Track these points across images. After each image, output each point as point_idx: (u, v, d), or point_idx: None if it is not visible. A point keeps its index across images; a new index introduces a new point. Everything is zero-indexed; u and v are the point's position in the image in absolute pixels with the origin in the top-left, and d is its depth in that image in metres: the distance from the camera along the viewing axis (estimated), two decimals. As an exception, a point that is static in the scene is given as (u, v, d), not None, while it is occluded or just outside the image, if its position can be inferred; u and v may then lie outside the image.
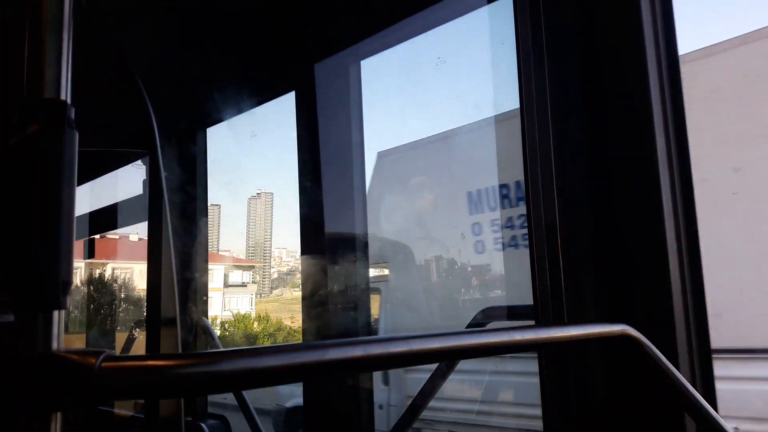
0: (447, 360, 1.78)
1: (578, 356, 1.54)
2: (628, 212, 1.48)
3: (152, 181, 2.46)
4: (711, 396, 1.39)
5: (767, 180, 4.65)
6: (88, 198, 4.22)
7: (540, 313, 1.61)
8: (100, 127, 3.30)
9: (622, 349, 1.37)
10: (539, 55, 1.65)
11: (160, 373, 0.63)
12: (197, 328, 2.93)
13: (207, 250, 3.12)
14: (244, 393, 2.54)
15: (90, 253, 4.60)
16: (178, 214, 3.08)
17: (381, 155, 7.28)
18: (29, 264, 0.65)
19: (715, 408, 1.23)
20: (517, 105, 1.69)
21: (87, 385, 0.62)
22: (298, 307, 2.43)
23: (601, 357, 1.50)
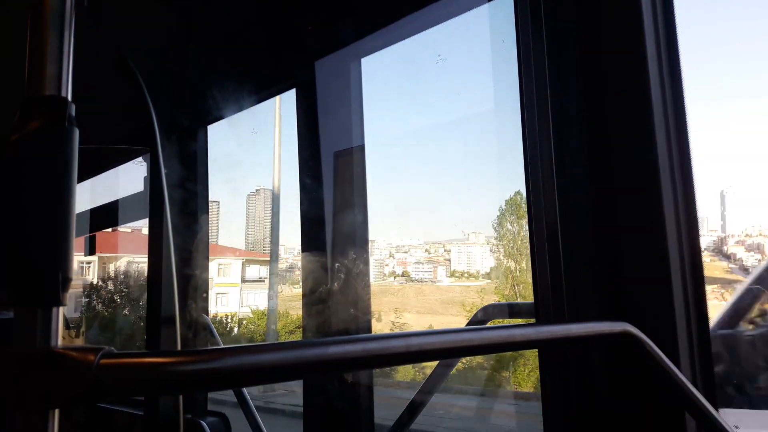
0: (447, 357, 1.78)
1: (579, 354, 1.54)
2: (629, 210, 1.48)
3: (153, 178, 2.47)
4: (711, 395, 1.39)
5: None
6: (89, 194, 4.23)
7: (540, 311, 1.62)
8: (101, 124, 3.30)
9: (623, 347, 1.37)
10: (539, 53, 1.65)
11: (159, 370, 0.63)
12: (197, 325, 2.93)
13: (208, 247, 3.13)
14: (245, 390, 2.54)
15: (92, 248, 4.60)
16: (181, 211, 3.09)
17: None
18: (29, 260, 0.65)
19: (716, 407, 1.23)
20: (516, 104, 1.69)
21: (85, 382, 0.62)
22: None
23: (601, 355, 1.50)
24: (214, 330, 2.93)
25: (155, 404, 2.25)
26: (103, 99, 2.85)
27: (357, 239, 2.43)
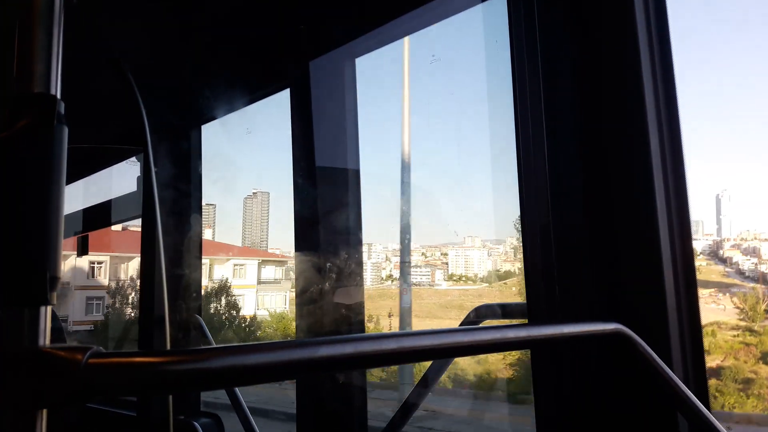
0: (439, 358, 1.77)
1: (571, 355, 1.54)
2: (622, 210, 1.48)
3: (145, 178, 2.46)
4: (704, 395, 1.39)
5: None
6: (83, 193, 4.22)
7: (533, 311, 1.62)
8: (95, 123, 3.29)
9: (616, 347, 1.37)
10: (533, 53, 1.65)
11: (147, 370, 0.63)
12: (191, 326, 2.93)
13: (201, 247, 3.12)
14: (237, 391, 2.54)
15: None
16: (174, 211, 3.08)
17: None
18: (16, 259, 0.64)
19: (708, 407, 1.24)
20: (510, 105, 1.69)
21: (73, 382, 0.61)
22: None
23: (594, 356, 1.50)
24: (207, 330, 2.92)
25: (147, 405, 2.24)
26: (98, 98, 2.84)
27: (351, 239, 2.43)
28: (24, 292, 0.64)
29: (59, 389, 0.62)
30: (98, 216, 4.01)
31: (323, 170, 2.45)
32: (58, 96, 0.72)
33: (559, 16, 1.63)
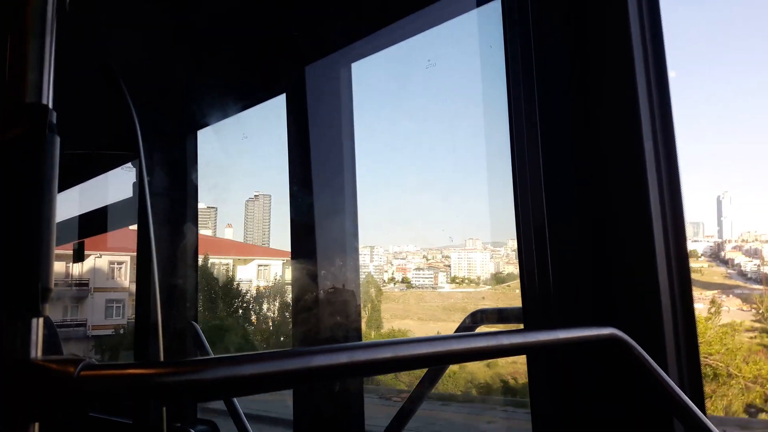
0: (434, 365, 1.77)
1: (567, 360, 1.54)
2: (617, 215, 1.48)
3: (138, 185, 2.45)
4: (699, 399, 1.39)
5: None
6: (79, 200, 4.21)
7: (528, 316, 1.61)
8: (91, 130, 3.28)
9: (611, 352, 1.37)
10: (527, 57, 1.65)
11: (141, 382, 0.63)
12: (188, 335, 2.91)
13: (197, 255, 3.11)
14: (234, 398, 2.53)
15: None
16: (171, 218, 3.07)
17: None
18: (7, 270, 0.64)
19: (704, 411, 1.23)
20: (504, 109, 1.70)
21: (65, 394, 0.61)
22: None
23: (589, 360, 1.50)
24: (204, 338, 2.91)
25: (144, 413, 2.22)
26: (92, 105, 2.83)
27: (347, 244, 2.42)
28: (15, 303, 0.63)
29: (52, 402, 0.61)
30: (94, 222, 4.00)
31: (319, 175, 2.45)
32: (50, 105, 0.71)
33: (553, 21, 1.63)
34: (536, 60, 1.64)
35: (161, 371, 0.63)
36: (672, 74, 1.52)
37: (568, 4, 1.59)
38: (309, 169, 2.44)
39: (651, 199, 1.43)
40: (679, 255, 1.44)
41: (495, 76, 1.80)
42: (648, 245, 1.42)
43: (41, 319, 0.65)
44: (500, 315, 1.87)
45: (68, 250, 4.25)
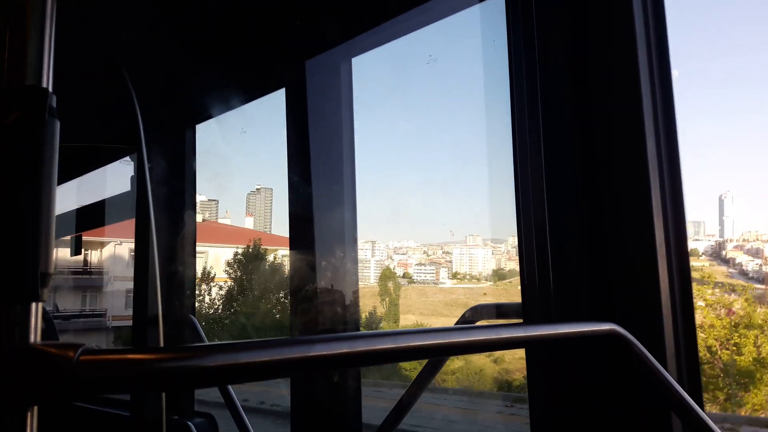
0: (434, 357, 1.77)
1: (566, 354, 1.54)
2: (617, 211, 1.48)
3: (138, 178, 2.45)
4: (698, 395, 1.39)
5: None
6: (77, 193, 4.20)
7: (528, 311, 1.61)
8: (88, 123, 3.27)
9: (610, 347, 1.37)
10: (530, 53, 1.65)
11: (140, 367, 0.62)
12: (184, 325, 2.91)
13: (194, 245, 3.10)
14: (231, 390, 2.52)
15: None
16: (169, 210, 3.06)
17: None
18: (7, 255, 0.63)
19: (702, 407, 1.23)
20: (507, 104, 1.69)
21: (65, 379, 0.60)
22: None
23: (588, 355, 1.50)
24: (200, 328, 2.91)
25: (140, 405, 2.22)
26: (92, 97, 2.82)
27: (346, 238, 2.42)
28: (15, 288, 0.63)
29: (51, 387, 0.61)
30: (91, 216, 4.00)
31: (318, 170, 2.44)
32: (50, 89, 0.71)
33: (556, 16, 1.63)
34: (539, 56, 1.63)
35: (161, 357, 0.63)
36: (675, 73, 1.52)
37: None
38: (308, 163, 2.44)
39: (652, 195, 1.43)
40: (679, 251, 1.44)
41: (497, 71, 1.79)
42: (648, 241, 1.42)
43: (41, 304, 0.65)
44: (499, 310, 1.87)
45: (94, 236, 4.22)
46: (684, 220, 1.47)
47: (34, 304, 0.64)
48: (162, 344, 1.71)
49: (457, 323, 1.91)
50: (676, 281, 1.44)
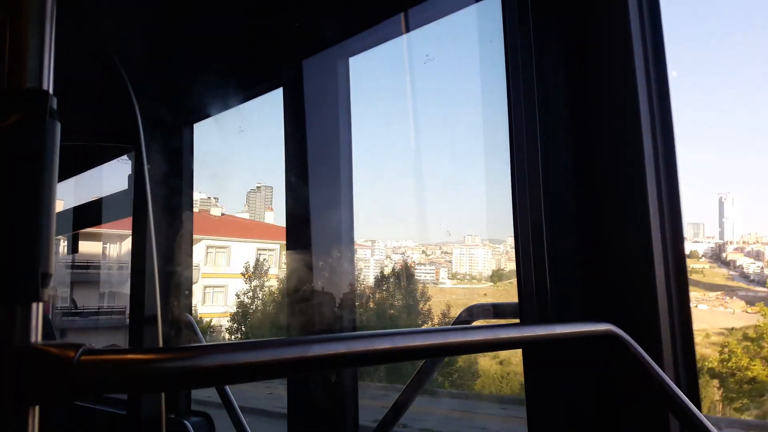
0: (431, 357, 1.78)
1: (563, 355, 1.54)
2: (614, 211, 1.49)
3: (137, 176, 2.44)
4: (695, 395, 1.40)
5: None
6: (74, 191, 4.19)
7: (525, 311, 1.62)
8: (86, 122, 3.27)
9: (607, 348, 1.38)
10: (527, 53, 1.65)
11: (140, 367, 0.63)
12: (181, 324, 2.91)
13: (191, 245, 3.10)
14: (228, 390, 2.53)
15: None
16: (167, 209, 3.06)
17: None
18: (7, 255, 0.64)
19: (699, 407, 1.24)
20: (504, 104, 1.70)
21: (65, 379, 0.61)
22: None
23: (585, 356, 1.50)
24: (197, 328, 2.91)
25: (138, 404, 2.22)
26: (88, 97, 2.82)
27: (343, 237, 2.42)
28: (15, 288, 0.63)
29: (51, 386, 0.61)
30: (89, 215, 3.99)
31: (315, 169, 2.45)
32: (51, 91, 0.71)
33: (553, 16, 1.63)
34: (536, 55, 1.64)
35: (160, 357, 0.63)
36: (673, 74, 1.53)
37: None
38: (305, 162, 2.44)
39: (648, 195, 1.43)
40: (676, 252, 1.45)
41: (494, 71, 1.80)
42: (645, 241, 1.42)
43: (41, 304, 0.65)
44: (496, 310, 1.88)
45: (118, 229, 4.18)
46: (680, 220, 1.48)
47: (34, 304, 0.64)
48: (161, 343, 1.71)
49: (453, 323, 1.92)
50: (672, 281, 1.45)
